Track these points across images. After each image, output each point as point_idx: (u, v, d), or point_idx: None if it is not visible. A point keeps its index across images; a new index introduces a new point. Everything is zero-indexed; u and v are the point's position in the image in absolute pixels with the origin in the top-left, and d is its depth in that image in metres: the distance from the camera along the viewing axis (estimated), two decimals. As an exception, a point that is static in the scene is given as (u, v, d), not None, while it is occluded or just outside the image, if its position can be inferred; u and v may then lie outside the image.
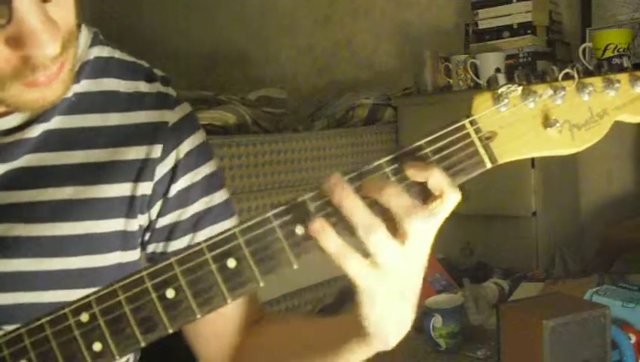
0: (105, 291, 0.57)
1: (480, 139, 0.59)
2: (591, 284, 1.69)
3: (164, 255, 0.81)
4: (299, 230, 0.57)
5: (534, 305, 1.44)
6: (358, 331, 0.64)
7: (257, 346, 0.81)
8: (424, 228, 0.57)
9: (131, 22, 3.61)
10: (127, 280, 0.57)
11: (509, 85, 0.59)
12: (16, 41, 0.59)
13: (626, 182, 2.33)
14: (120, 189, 0.76)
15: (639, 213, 2.16)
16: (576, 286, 1.74)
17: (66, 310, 0.57)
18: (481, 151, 0.59)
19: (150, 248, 0.82)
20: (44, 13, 0.59)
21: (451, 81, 2.33)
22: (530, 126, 0.59)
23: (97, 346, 0.57)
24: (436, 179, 0.57)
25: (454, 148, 0.59)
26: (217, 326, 0.81)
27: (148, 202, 0.78)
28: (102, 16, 3.38)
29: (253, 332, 0.83)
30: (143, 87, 0.80)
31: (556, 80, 0.59)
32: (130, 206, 0.77)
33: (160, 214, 0.80)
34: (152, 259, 0.82)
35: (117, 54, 0.81)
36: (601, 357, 1.31)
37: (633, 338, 1.38)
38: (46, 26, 0.59)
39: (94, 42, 0.79)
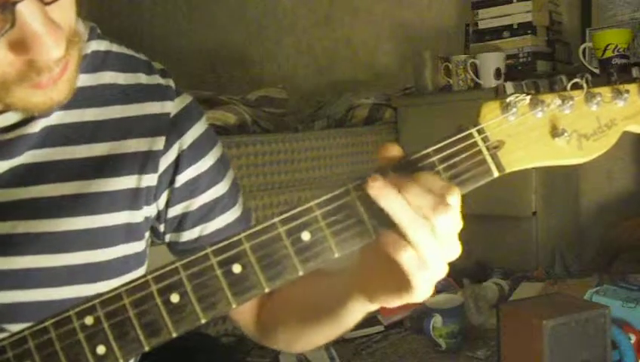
0: (109, 294, 0.57)
1: (487, 148, 0.59)
2: (591, 284, 1.70)
3: (178, 245, 0.83)
4: (305, 236, 0.57)
5: (534, 305, 1.45)
6: (362, 287, 0.65)
7: (278, 306, 0.83)
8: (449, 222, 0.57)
9: (131, 22, 3.61)
10: (132, 284, 0.57)
11: (517, 94, 0.59)
12: (20, 46, 0.59)
13: (626, 182, 2.34)
14: (123, 182, 0.76)
15: (639, 213, 2.16)
16: (576, 286, 1.74)
17: (71, 312, 0.57)
18: (489, 160, 0.59)
19: (167, 238, 0.83)
20: (47, 17, 0.59)
21: (451, 81, 2.33)
22: (538, 135, 0.59)
23: (101, 349, 0.57)
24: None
25: (461, 156, 0.58)
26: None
27: (154, 193, 0.79)
28: (102, 16, 3.38)
29: (275, 294, 0.84)
30: (142, 79, 0.80)
31: (565, 89, 0.59)
32: (134, 198, 0.77)
33: (168, 204, 0.80)
34: (171, 247, 0.84)
35: (115, 47, 0.81)
36: (601, 357, 1.31)
37: (633, 338, 1.38)
38: (49, 30, 0.59)
39: (91, 36, 0.79)
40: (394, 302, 0.63)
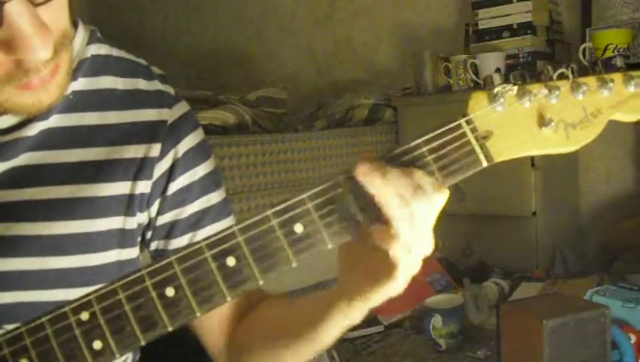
0: (105, 289, 0.57)
1: (476, 138, 0.59)
2: (591, 284, 1.70)
3: (164, 252, 0.82)
4: (298, 228, 0.57)
5: (534, 305, 1.44)
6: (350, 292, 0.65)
7: (251, 328, 0.82)
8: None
9: (131, 22, 3.61)
10: (127, 279, 0.57)
11: (505, 85, 0.60)
12: (7, 46, 0.59)
13: (625, 182, 2.33)
14: (118, 188, 0.76)
15: (639, 213, 2.16)
16: (576, 286, 1.74)
17: (66, 308, 0.57)
18: (478, 150, 0.59)
19: (153, 246, 0.83)
20: (36, 17, 0.59)
21: (451, 81, 2.33)
22: (525, 125, 0.60)
23: (97, 344, 0.57)
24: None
25: (451, 147, 0.59)
26: (218, 315, 0.82)
27: (147, 200, 0.79)
28: (102, 16, 3.38)
29: (252, 314, 0.83)
30: (141, 84, 0.80)
31: (551, 79, 0.60)
32: (128, 204, 0.77)
33: (159, 212, 0.80)
34: (156, 257, 0.83)
35: (115, 52, 0.81)
36: (601, 357, 1.31)
37: (633, 338, 1.38)
38: (37, 30, 0.59)
39: (92, 40, 0.79)
40: (373, 297, 0.63)
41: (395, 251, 0.58)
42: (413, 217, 0.57)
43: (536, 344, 1.29)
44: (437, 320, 1.64)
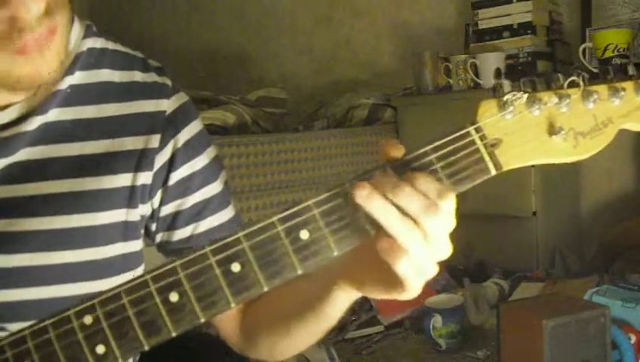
0: (109, 294, 0.57)
1: (485, 146, 0.59)
2: (591, 284, 1.70)
3: (169, 244, 0.82)
4: (304, 235, 0.57)
5: (534, 305, 1.45)
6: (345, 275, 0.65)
7: (261, 309, 0.82)
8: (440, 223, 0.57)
9: (131, 22, 3.61)
10: (131, 284, 0.57)
11: (514, 92, 0.59)
12: (1, 2, 0.61)
13: (626, 182, 2.33)
14: (120, 180, 0.76)
15: (639, 213, 2.16)
16: (576, 286, 1.74)
17: (70, 312, 0.57)
18: (486, 158, 0.59)
19: (158, 237, 0.83)
20: None
21: (451, 81, 2.33)
22: (535, 133, 0.59)
23: (101, 349, 0.57)
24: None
25: (459, 154, 0.58)
26: None
27: (149, 191, 0.79)
28: (102, 17, 3.38)
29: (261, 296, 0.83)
30: (138, 76, 0.81)
31: (561, 87, 0.59)
32: (130, 196, 0.77)
33: (162, 203, 0.80)
34: (161, 247, 0.83)
35: (110, 45, 0.81)
36: (601, 357, 1.31)
37: (633, 338, 1.38)
38: None
39: (87, 34, 0.79)
40: (383, 296, 0.63)
41: (403, 269, 0.57)
42: (423, 231, 0.56)
43: (536, 344, 1.29)
44: (437, 320, 1.65)
